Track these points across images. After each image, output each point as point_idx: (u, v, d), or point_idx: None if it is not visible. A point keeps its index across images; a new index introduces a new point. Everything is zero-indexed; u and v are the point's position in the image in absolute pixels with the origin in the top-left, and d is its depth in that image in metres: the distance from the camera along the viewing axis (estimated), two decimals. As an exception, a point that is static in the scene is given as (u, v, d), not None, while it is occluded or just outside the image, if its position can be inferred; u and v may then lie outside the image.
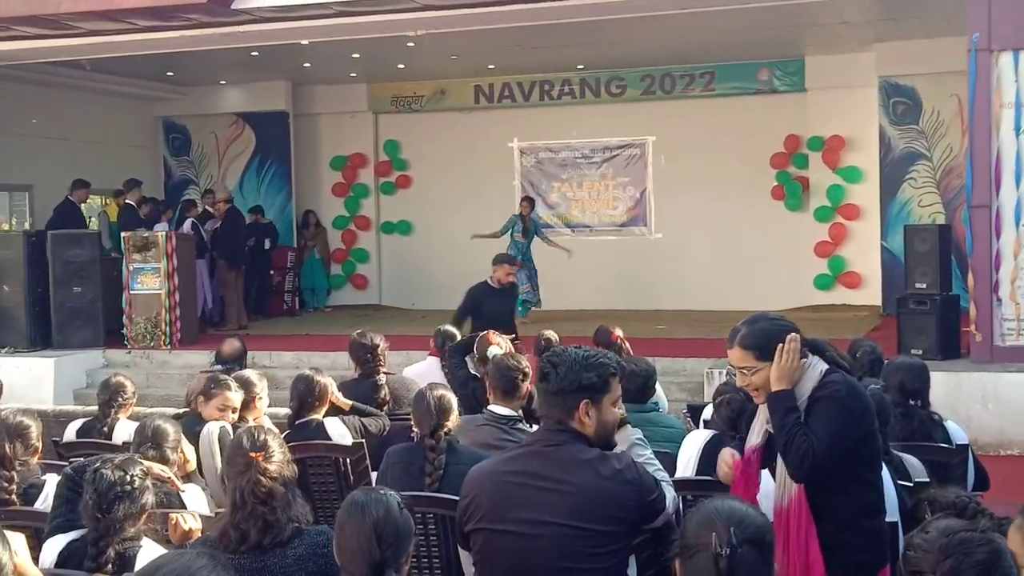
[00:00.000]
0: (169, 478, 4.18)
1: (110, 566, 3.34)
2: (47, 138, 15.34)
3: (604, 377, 3.44)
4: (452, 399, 4.72)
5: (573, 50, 14.66)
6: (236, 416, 5.50)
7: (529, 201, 15.03)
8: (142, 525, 3.47)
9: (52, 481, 4.49)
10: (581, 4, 10.78)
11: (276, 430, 3.81)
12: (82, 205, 14.39)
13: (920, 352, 9.32)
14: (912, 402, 5.18)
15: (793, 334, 3.62)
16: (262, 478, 3.29)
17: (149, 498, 3.48)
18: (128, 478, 3.42)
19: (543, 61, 15.54)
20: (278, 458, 3.40)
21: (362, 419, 5.94)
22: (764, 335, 3.65)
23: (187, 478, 4.60)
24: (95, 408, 6.30)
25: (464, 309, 9.83)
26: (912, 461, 4.54)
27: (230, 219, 14.91)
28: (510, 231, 14.47)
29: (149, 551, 3.39)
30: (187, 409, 5.93)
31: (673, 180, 16.15)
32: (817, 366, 3.62)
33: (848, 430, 3.49)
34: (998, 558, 2.42)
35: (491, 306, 9.70)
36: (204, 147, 17.80)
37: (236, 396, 5.50)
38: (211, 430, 5.34)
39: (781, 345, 3.58)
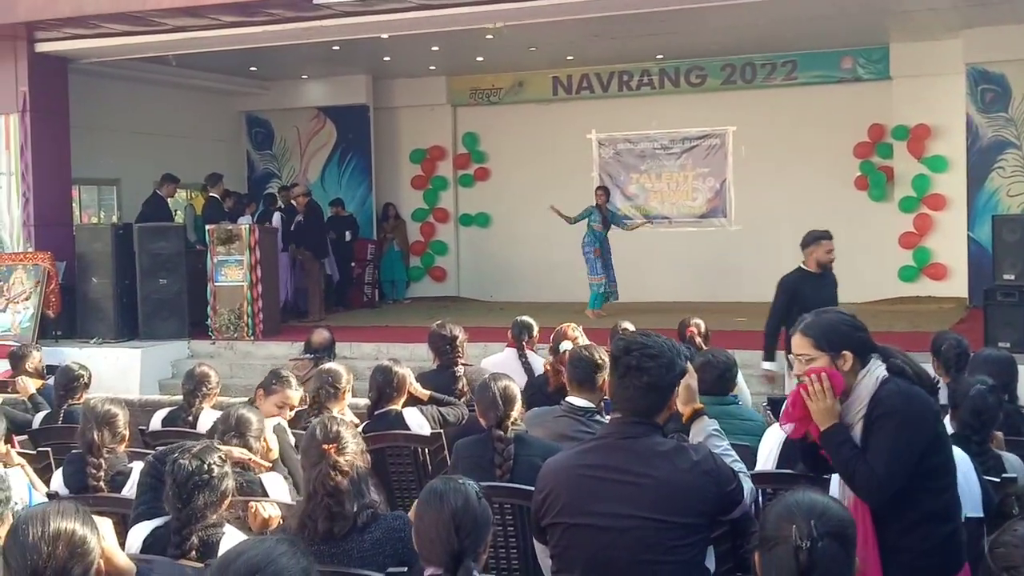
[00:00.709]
0: (250, 459, 4.24)
1: (193, 552, 3.41)
2: (134, 133, 15.65)
3: (686, 362, 3.57)
4: (516, 389, 4.74)
5: (652, 40, 14.55)
6: (292, 413, 5.57)
7: (604, 191, 14.89)
8: (224, 511, 3.53)
9: (139, 469, 4.59)
10: (661, -7, 10.71)
11: (352, 420, 3.85)
12: (169, 199, 14.67)
13: (1008, 345, 9.12)
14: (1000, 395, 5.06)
15: (820, 374, 3.44)
16: (332, 471, 3.34)
17: (228, 484, 3.54)
18: (205, 467, 3.48)
19: (622, 51, 15.45)
20: (351, 449, 3.45)
21: (440, 408, 5.99)
22: (828, 328, 3.54)
23: (271, 466, 4.66)
24: (180, 398, 6.42)
25: (780, 305, 8.60)
26: (1010, 458, 4.46)
27: (312, 212, 15.09)
28: (587, 220, 14.38)
29: (232, 537, 3.45)
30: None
31: (753, 171, 15.97)
32: (875, 372, 3.48)
33: (911, 447, 3.36)
34: None
35: (811, 294, 8.05)
36: (286, 141, 18.03)
37: (295, 394, 5.57)
38: (154, 420, 5.45)
39: (814, 383, 3.43)
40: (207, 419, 5.85)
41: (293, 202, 15.31)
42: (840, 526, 2.48)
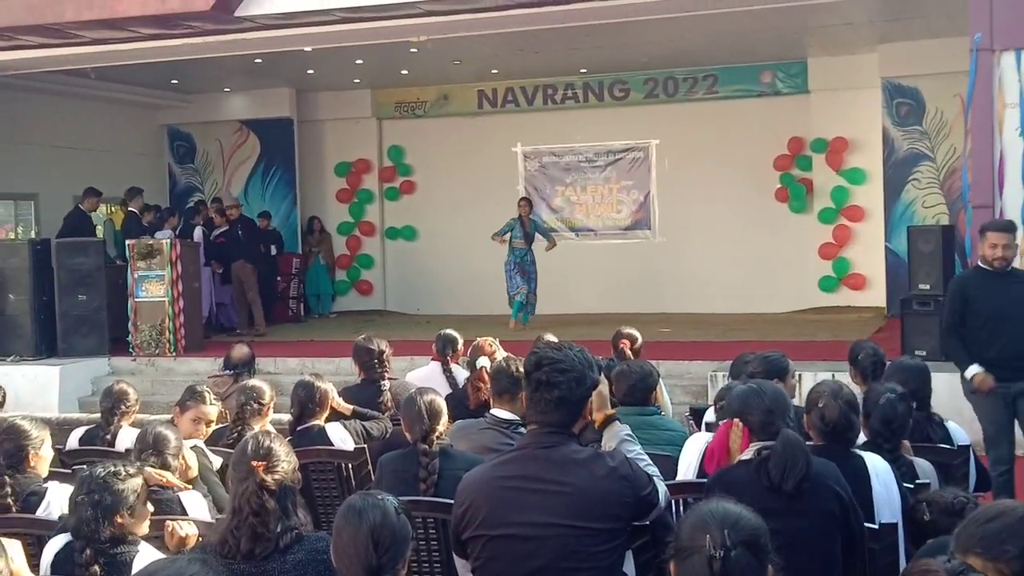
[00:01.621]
0: (168, 482, 4.18)
1: (95, 568, 3.35)
2: (52, 147, 15.39)
3: (599, 372, 3.58)
4: (442, 403, 4.74)
5: (576, 54, 14.68)
6: (209, 429, 5.50)
7: (527, 202, 14.86)
8: (139, 530, 3.48)
9: (54, 489, 4.50)
10: (583, 8, 10.78)
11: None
12: (92, 214, 14.43)
13: (924, 353, 9.28)
14: (913, 404, 5.16)
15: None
16: (259, 489, 3.29)
17: (126, 498, 3.48)
18: (123, 483, 3.43)
19: (546, 65, 15.55)
20: (282, 468, 3.38)
21: (363, 423, 5.96)
22: None
23: (189, 484, 4.60)
24: (98, 416, 6.31)
25: (952, 312, 6.84)
26: (922, 464, 4.54)
27: (246, 225, 15.15)
28: (508, 234, 14.39)
29: (146, 555, 3.40)
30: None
31: (677, 183, 16.15)
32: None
33: None
34: None
35: (982, 296, 6.72)
36: (209, 154, 17.84)
37: (212, 409, 5.51)
38: (71, 439, 5.41)
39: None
40: (126, 437, 5.75)
41: (213, 215, 15.25)
42: (753, 535, 2.51)
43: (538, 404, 3.46)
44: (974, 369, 6.59)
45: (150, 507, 3.63)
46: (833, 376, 8.58)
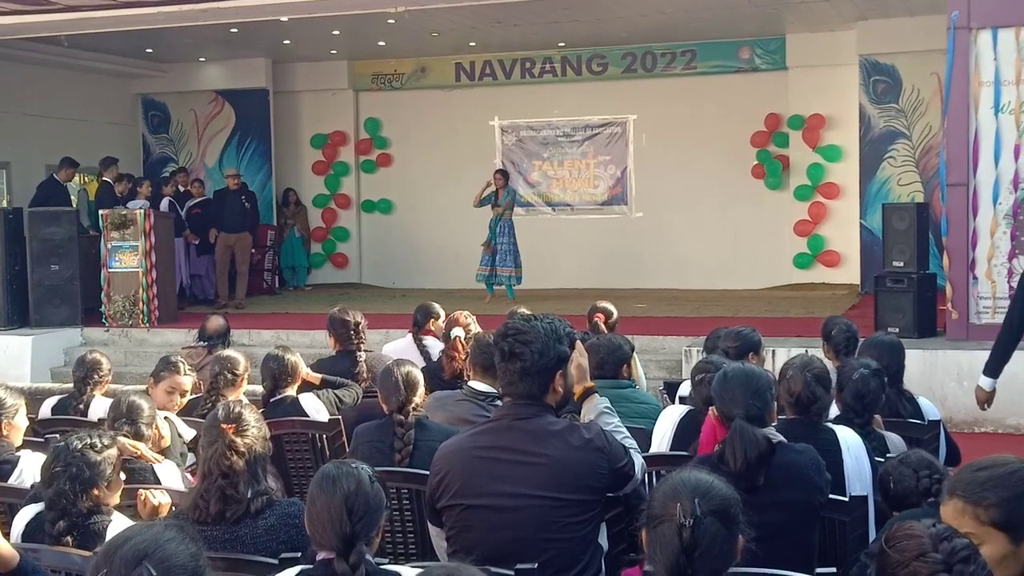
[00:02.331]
0: (141, 453, 4.18)
1: (68, 538, 3.35)
2: (24, 115, 15.22)
3: (572, 344, 3.55)
4: (419, 375, 4.75)
5: (554, 28, 14.63)
6: (184, 400, 5.50)
7: (503, 174, 14.69)
8: (111, 500, 3.47)
9: (27, 457, 4.48)
10: (562, -19, 10.76)
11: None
12: (67, 184, 14.30)
13: (897, 330, 9.36)
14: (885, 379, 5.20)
15: None
16: (227, 451, 3.32)
17: (103, 470, 3.48)
18: (95, 452, 3.43)
19: (524, 39, 15.49)
20: (252, 433, 3.43)
21: (335, 392, 5.97)
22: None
23: (162, 453, 4.60)
24: (71, 386, 6.28)
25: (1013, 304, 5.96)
26: (893, 438, 4.59)
27: (250, 196, 15.05)
28: (488, 206, 14.33)
29: (119, 525, 3.39)
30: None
31: (654, 159, 16.17)
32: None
33: None
34: None
35: None
36: (183, 124, 17.70)
37: (186, 380, 5.52)
38: (44, 409, 5.55)
39: None
40: (99, 407, 5.73)
41: (187, 187, 15.17)
42: (724, 504, 2.53)
43: (504, 375, 3.49)
44: (984, 381, 5.86)
45: (123, 476, 3.62)
46: (807, 352, 8.68)
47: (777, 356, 8.83)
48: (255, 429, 3.46)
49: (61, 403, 6.05)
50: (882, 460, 4.23)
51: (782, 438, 3.62)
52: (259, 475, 3.38)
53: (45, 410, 6.04)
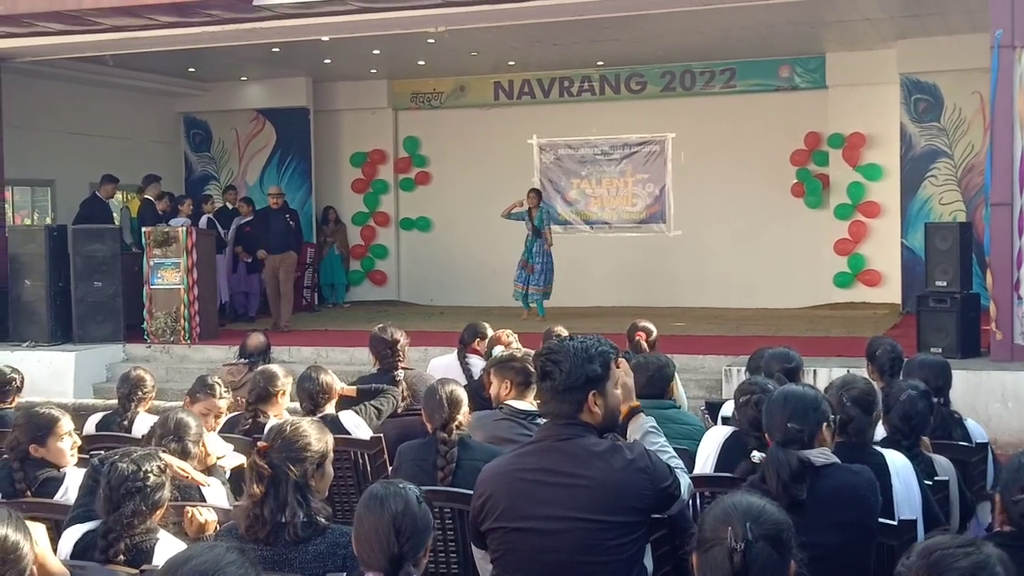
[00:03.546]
0: (188, 475, 4.19)
1: (120, 558, 3.36)
2: (69, 133, 15.42)
3: (607, 364, 3.48)
4: (462, 394, 4.74)
5: (593, 46, 14.64)
6: (219, 422, 5.52)
7: (536, 194, 14.67)
8: (157, 520, 3.48)
9: (72, 474, 4.52)
10: (600, 1, 10.77)
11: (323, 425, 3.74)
12: (108, 201, 14.46)
13: (940, 350, 9.27)
14: (935, 399, 5.14)
15: None
16: (250, 471, 3.29)
17: (164, 494, 3.50)
18: (142, 473, 3.44)
19: (563, 57, 15.53)
20: (294, 452, 3.37)
21: (372, 403, 5.99)
22: None
23: (208, 471, 4.62)
24: (114, 402, 6.33)
25: None
26: (941, 461, 4.53)
27: (294, 215, 14.85)
28: (522, 221, 14.35)
29: (166, 544, 3.41)
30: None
31: (693, 177, 16.13)
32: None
33: None
34: (985, 566, 2.29)
35: None
36: (225, 143, 17.86)
37: (222, 403, 5.52)
38: (88, 424, 5.54)
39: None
40: (143, 424, 5.76)
41: (230, 205, 15.12)
42: (775, 529, 2.50)
43: (542, 394, 3.53)
44: None
45: (167, 495, 3.63)
46: (848, 372, 8.62)
47: (819, 376, 8.76)
48: (305, 450, 3.38)
49: (105, 419, 6.10)
50: (930, 483, 4.19)
51: (830, 459, 3.58)
52: (286, 499, 3.29)
53: (89, 426, 6.09)
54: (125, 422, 5.95)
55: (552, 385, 3.42)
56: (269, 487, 3.30)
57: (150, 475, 3.46)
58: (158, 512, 3.50)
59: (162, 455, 3.71)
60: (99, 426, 6.07)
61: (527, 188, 15.32)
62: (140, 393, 6.03)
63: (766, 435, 3.73)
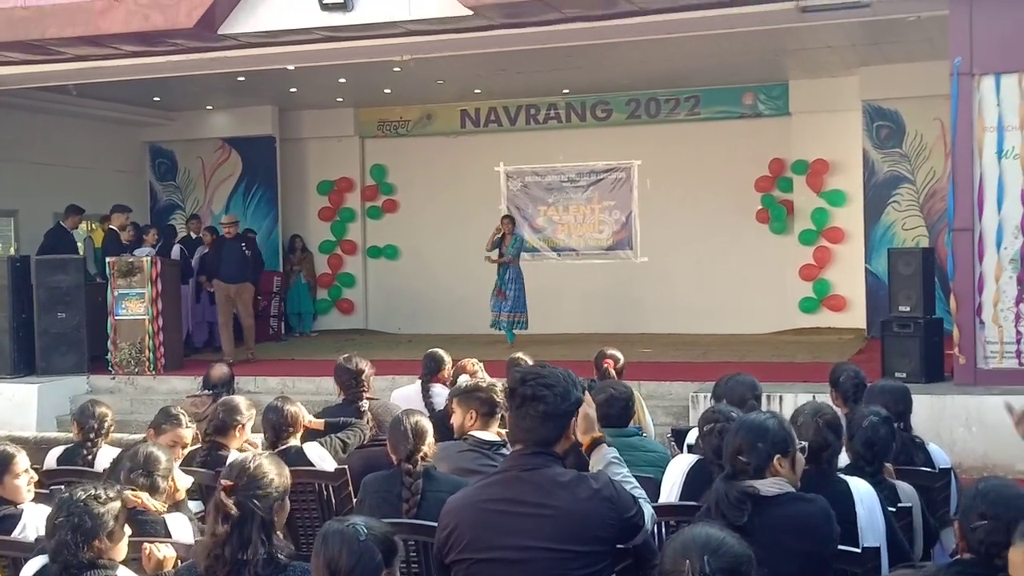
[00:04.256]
0: (143, 503, 4.13)
1: None
2: (32, 163, 15.30)
3: (583, 392, 3.54)
4: (428, 424, 4.72)
5: (558, 74, 14.72)
6: (184, 452, 5.46)
7: (509, 220, 14.74)
8: (116, 554, 3.43)
9: (30, 511, 4.46)
10: (566, 29, 10.82)
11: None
12: (72, 231, 14.34)
13: (904, 375, 9.33)
14: (896, 424, 5.17)
15: None
16: (215, 510, 3.25)
17: (119, 527, 3.44)
18: (101, 506, 3.39)
19: (529, 85, 15.60)
20: (257, 490, 3.30)
21: (338, 436, 5.95)
22: None
23: (176, 506, 4.56)
24: (73, 435, 6.27)
25: None
26: (904, 487, 4.55)
27: (250, 243, 14.39)
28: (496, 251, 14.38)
29: (124, 579, 3.36)
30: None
31: (659, 204, 16.20)
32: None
33: None
34: None
35: None
36: (190, 172, 17.79)
37: (187, 432, 5.47)
38: (49, 459, 5.56)
39: None
40: (105, 457, 5.71)
41: (195, 234, 14.72)
42: (735, 562, 2.50)
43: (523, 420, 3.45)
44: None
45: (128, 530, 3.58)
46: (814, 398, 8.65)
47: (785, 402, 8.80)
48: (263, 488, 3.30)
49: (68, 453, 6.03)
50: (894, 510, 4.20)
51: (783, 489, 3.58)
52: (249, 538, 3.22)
53: (51, 460, 6.01)
54: (89, 456, 5.88)
55: (545, 409, 3.40)
56: (234, 525, 3.24)
57: (108, 506, 3.41)
58: (115, 546, 3.45)
59: (117, 488, 3.65)
60: (61, 460, 5.99)
61: (494, 215, 15.33)
62: (104, 427, 5.97)
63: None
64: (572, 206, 16.87)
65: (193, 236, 15.64)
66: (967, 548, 3.16)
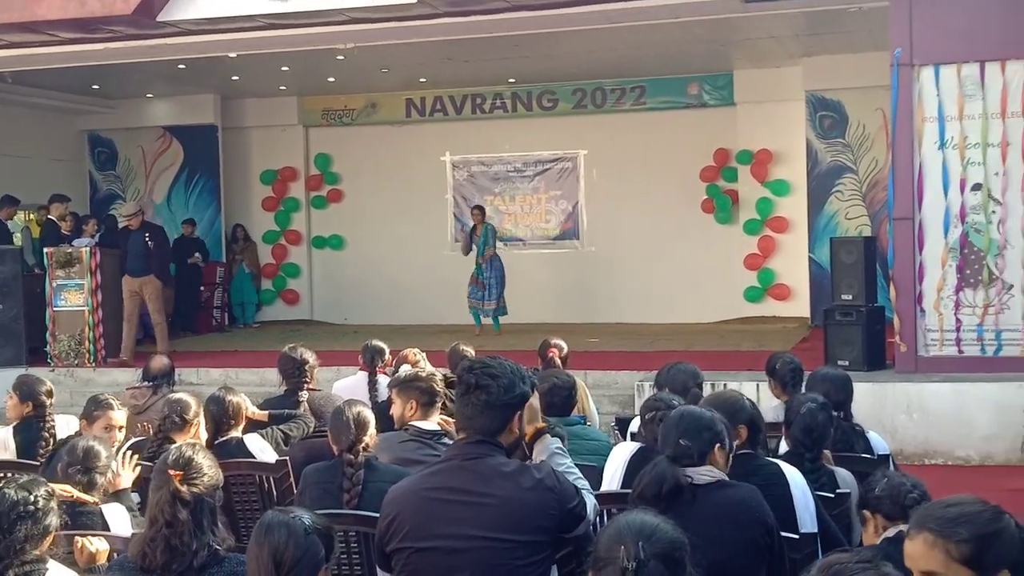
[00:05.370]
0: (72, 496, 4.05)
1: None
2: (-34, 152, 15.03)
3: (531, 388, 3.55)
4: (370, 415, 4.68)
5: (504, 64, 14.68)
6: (122, 435, 5.40)
7: (478, 210, 14.80)
8: (46, 548, 3.37)
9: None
10: (511, 18, 10.79)
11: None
12: (8, 222, 14.08)
13: (847, 363, 9.42)
14: (835, 413, 5.21)
15: None
16: (172, 499, 3.22)
17: (53, 520, 3.38)
18: (32, 498, 3.32)
19: (474, 75, 15.55)
20: (202, 480, 3.31)
21: (281, 428, 5.90)
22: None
23: (116, 495, 4.48)
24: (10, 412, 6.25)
25: None
26: (843, 474, 4.58)
27: (156, 234, 13.24)
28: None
29: (56, 574, 3.29)
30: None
31: (605, 193, 16.24)
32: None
33: None
34: None
35: None
36: (131, 161, 17.54)
37: (119, 415, 5.41)
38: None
39: None
40: (62, 426, 5.81)
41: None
42: (669, 547, 2.49)
43: (466, 408, 3.46)
44: None
45: (56, 522, 3.50)
46: (758, 386, 8.71)
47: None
48: (206, 477, 3.33)
49: (24, 427, 6.01)
50: (832, 496, 4.23)
51: (716, 476, 3.60)
52: (204, 525, 3.25)
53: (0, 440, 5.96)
54: (50, 426, 5.91)
55: (487, 399, 3.40)
56: (176, 516, 3.22)
57: (39, 499, 3.35)
58: (47, 540, 3.38)
59: (46, 481, 3.57)
60: (20, 434, 5.97)
61: (440, 205, 15.32)
62: (51, 395, 6.07)
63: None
64: (519, 196, 16.87)
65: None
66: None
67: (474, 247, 14.49)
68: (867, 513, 3.56)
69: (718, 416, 3.76)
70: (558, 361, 7.23)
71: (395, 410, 5.13)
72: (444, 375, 6.70)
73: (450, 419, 5.30)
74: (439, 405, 5.06)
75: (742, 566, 3.49)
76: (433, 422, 5.00)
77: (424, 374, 5.23)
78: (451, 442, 4.85)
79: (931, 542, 2.55)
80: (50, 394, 6.06)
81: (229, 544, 3.40)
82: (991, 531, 2.55)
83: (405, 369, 6.24)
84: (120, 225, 14.08)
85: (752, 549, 3.52)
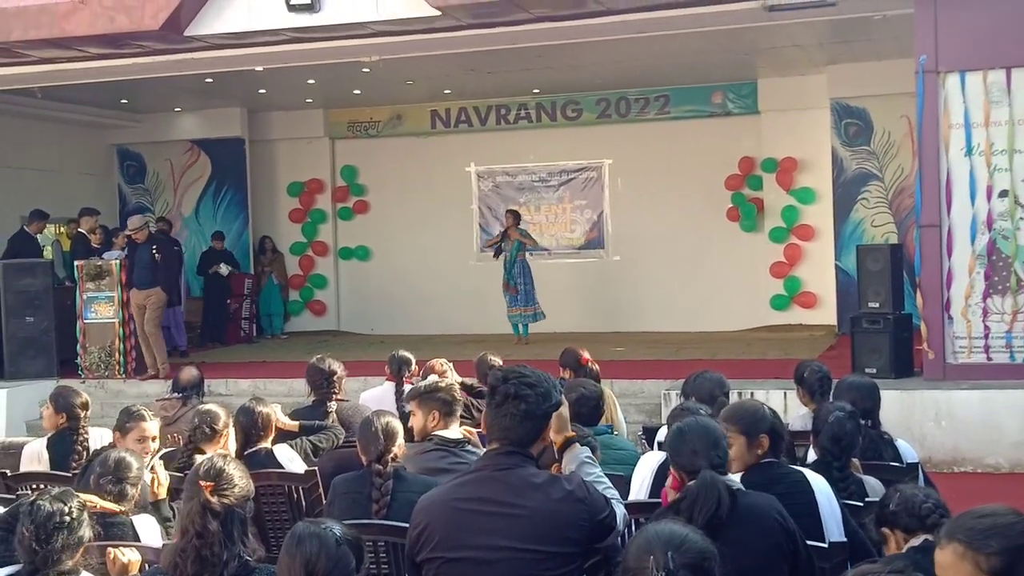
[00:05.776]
0: (99, 507, 4.09)
1: None
2: (-1, 167, 15.20)
3: (561, 394, 3.57)
4: (398, 425, 4.70)
5: (528, 74, 14.72)
6: (156, 446, 5.44)
7: (512, 215, 14.79)
8: (79, 558, 3.41)
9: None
10: (536, 29, 10.82)
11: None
12: (38, 235, 14.22)
13: (874, 371, 9.39)
14: (863, 421, 5.20)
15: None
16: (202, 510, 3.25)
17: (87, 531, 3.42)
18: (66, 509, 3.36)
19: (499, 85, 15.59)
20: (232, 491, 3.33)
21: (310, 439, 5.93)
22: None
23: (156, 505, 4.53)
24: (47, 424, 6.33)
25: None
26: (872, 482, 4.57)
27: (163, 247, 13.03)
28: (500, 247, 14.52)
29: (88, 585, 3.34)
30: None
31: (630, 203, 16.23)
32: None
33: None
34: None
35: None
36: (159, 174, 17.69)
37: (152, 425, 5.43)
38: (33, 447, 5.58)
39: None
40: (96, 438, 5.89)
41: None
42: (698, 557, 2.50)
43: (503, 419, 3.43)
44: None
45: (89, 533, 3.54)
46: (785, 394, 8.69)
47: (756, 398, 8.82)
48: (237, 487, 3.35)
49: (59, 439, 6.09)
50: (862, 505, 4.22)
51: (738, 485, 3.61)
52: (234, 536, 3.26)
53: (34, 452, 6.05)
54: (84, 438, 6.02)
55: (526, 409, 3.40)
56: (207, 527, 3.25)
57: (73, 510, 3.39)
58: (80, 550, 3.42)
59: (77, 494, 3.62)
60: (54, 447, 6.05)
61: (467, 215, 15.34)
62: (87, 407, 6.19)
63: (675, 465, 3.73)
64: (544, 206, 16.88)
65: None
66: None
67: (504, 252, 14.45)
68: (886, 531, 3.54)
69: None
70: (594, 368, 7.19)
71: (416, 422, 5.12)
72: (471, 384, 6.73)
73: (473, 429, 5.34)
74: (459, 413, 5.08)
75: (765, 569, 3.49)
76: (455, 430, 5.01)
77: (443, 383, 5.25)
78: (474, 450, 4.90)
79: (961, 553, 2.51)
80: (85, 406, 6.15)
81: (259, 555, 3.42)
82: (1022, 544, 2.49)
83: (432, 379, 6.26)
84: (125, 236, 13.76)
85: (776, 556, 3.52)
